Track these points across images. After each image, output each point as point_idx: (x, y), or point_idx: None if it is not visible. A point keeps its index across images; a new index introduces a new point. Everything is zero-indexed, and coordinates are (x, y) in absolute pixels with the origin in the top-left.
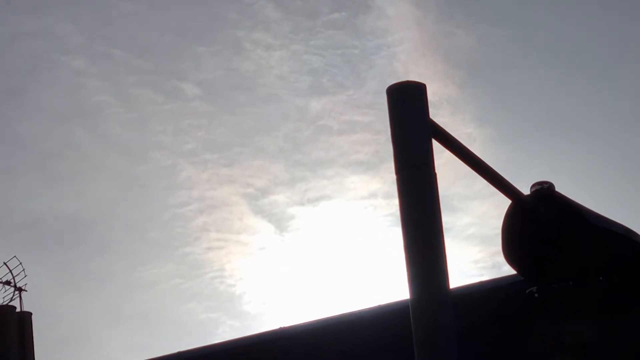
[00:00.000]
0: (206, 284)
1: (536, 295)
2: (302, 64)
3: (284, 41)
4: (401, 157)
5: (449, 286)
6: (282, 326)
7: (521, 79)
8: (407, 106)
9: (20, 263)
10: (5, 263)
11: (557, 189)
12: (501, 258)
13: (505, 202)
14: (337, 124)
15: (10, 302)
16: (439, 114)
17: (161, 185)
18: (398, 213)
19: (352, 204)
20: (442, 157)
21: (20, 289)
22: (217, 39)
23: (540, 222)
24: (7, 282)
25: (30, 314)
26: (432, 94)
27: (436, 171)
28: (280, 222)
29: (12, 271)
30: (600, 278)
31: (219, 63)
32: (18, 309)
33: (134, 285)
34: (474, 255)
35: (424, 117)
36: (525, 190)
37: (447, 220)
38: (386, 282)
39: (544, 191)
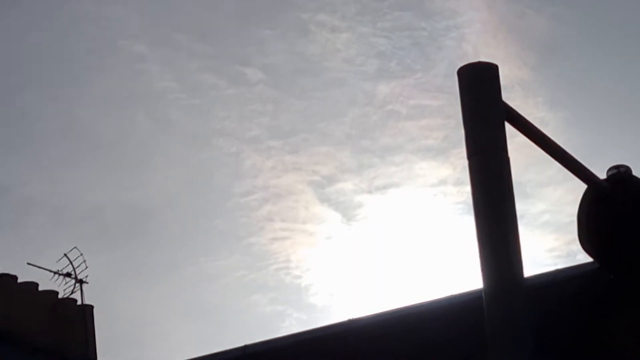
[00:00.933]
0: (271, 275)
1: (615, 283)
2: (369, 46)
3: (351, 23)
4: (473, 142)
5: (523, 275)
6: (350, 318)
7: (596, 60)
8: (479, 88)
9: (81, 254)
10: (65, 255)
11: (635, 172)
12: (577, 246)
13: (580, 188)
14: (405, 108)
15: (71, 294)
16: (510, 98)
17: (225, 173)
18: (470, 200)
19: (422, 191)
20: (514, 142)
21: (81, 281)
22: (281, 21)
23: (617, 207)
24: (68, 274)
25: (91, 306)
26: (504, 77)
27: (509, 156)
28: (347, 211)
29: (73, 263)
30: None
31: (283, 46)
32: (79, 302)
33: (197, 276)
34: (549, 244)
35: (497, 100)
36: (602, 175)
37: (520, 207)
38: (457, 272)
39: (621, 175)
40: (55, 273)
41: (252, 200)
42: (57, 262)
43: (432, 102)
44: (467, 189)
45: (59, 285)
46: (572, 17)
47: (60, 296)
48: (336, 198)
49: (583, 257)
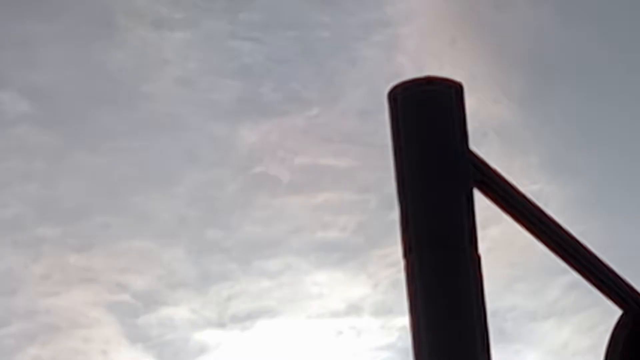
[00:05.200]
0: None
1: None
2: (222, 56)
3: (190, 14)
4: (415, 229)
5: None
6: None
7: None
8: (427, 126)
9: None
10: None
11: None
12: None
13: (612, 313)
14: (288, 172)
15: None
16: (484, 151)
17: None
18: (407, 338)
19: (316, 324)
20: (490, 227)
21: None
22: (61, 13)
23: None
24: None
25: None
26: (473, 115)
27: (480, 253)
28: (179, 357)
29: None
30: None
31: (66, 55)
32: None
33: None
34: None
35: (461, 147)
36: None
37: (498, 357)
38: None
39: None
40: None
41: (4, 338)
42: None
43: (338, 160)
44: (401, 320)
45: None
46: (583, 35)
47: None
48: (159, 335)
49: None
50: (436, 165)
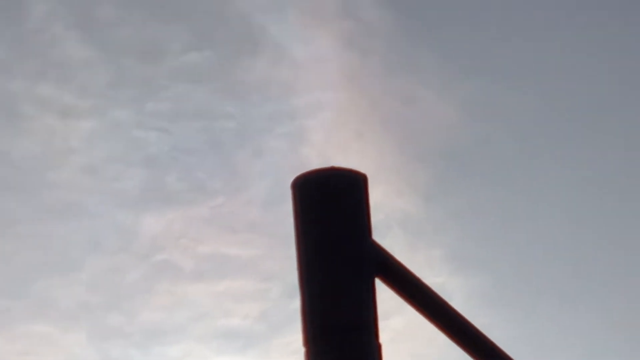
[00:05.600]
0: None
1: None
2: (127, 148)
3: (93, 101)
4: (315, 318)
5: None
6: None
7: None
8: (330, 216)
9: None
10: None
11: None
12: None
13: None
14: (191, 260)
15: None
16: (385, 244)
17: None
18: None
19: None
20: (393, 318)
21: None
22: None
23: None
24: None
25: None
26: (377, 208)
27: (381, 341)
28: None
29: None
30: None
31: None
32: None
33: None
34: None
35: (363, 237)
36: None
37: None
38: None
39: None
40: None
41: None
42: None
43: (241, 249)
44: None
45: None
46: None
47: None
48: None
49: None
50: (338, 254)
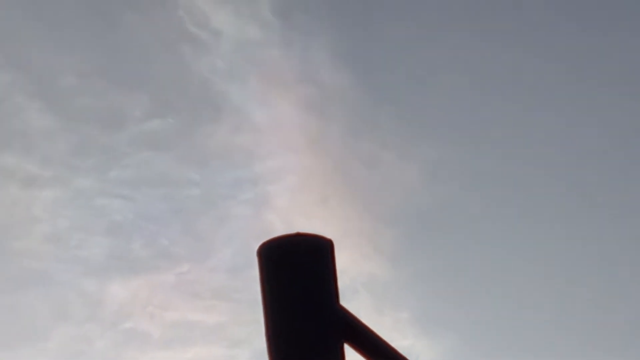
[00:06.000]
0: None
1: None
2: (92, 214)
3: (54, 171)
4: None
5: None
6: None
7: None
8: (297, 282)
9: None
10: None
11: None
12: None
13: None
14: (158, 327)
15: None
16: (352, 308)
17: None
18: None
19: None
20: None
21: None
22: None
23: None
24: None
25: None
26: (343, 272)
27: None
28: None
29: None
30: None
31: None
32: None
33: None
34: None
35: (330, 303)
36: None
37: None
38: None
39: None
40: None
41: None
42: None
43: (208, 315)
44: None
45: None
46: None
47: None
48: None
49: None
50: (305, 320)
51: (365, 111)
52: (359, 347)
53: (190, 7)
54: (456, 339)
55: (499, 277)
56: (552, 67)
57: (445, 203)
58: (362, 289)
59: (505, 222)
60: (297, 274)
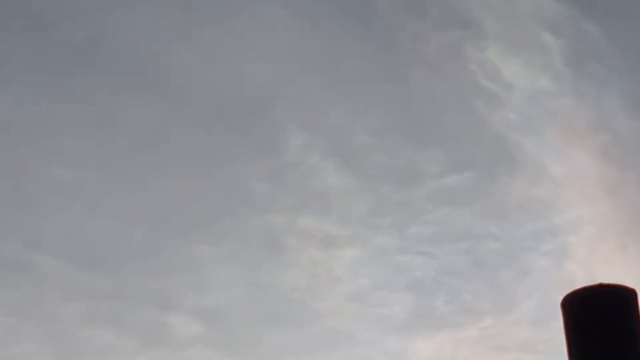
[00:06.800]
0: None
1: None
2: (393, 269)
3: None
4: None
5: None
6: None
7: None
8: (602, 334)
9: None
10: None
11: None
12: None
13: None
14: None
15: None
16: None
17: None
18: None
19: None
20: None
21: None
22: None
23: None
24: None
25: None
26: None
27: None
28: None
29: None
30: None
31: None
32: None
33: None
34: None
35: (636, 353)
36: None
37: None
38: None
39: None
40: None
41: None
42: None
43: None
44: None
45: None
46: None
47: None
48: None
49: None
50: None
51: None
52: None
53: (482, 61)
54: None
55: None
56: None
57: None
58: None
59: None
60: (602, 326)
